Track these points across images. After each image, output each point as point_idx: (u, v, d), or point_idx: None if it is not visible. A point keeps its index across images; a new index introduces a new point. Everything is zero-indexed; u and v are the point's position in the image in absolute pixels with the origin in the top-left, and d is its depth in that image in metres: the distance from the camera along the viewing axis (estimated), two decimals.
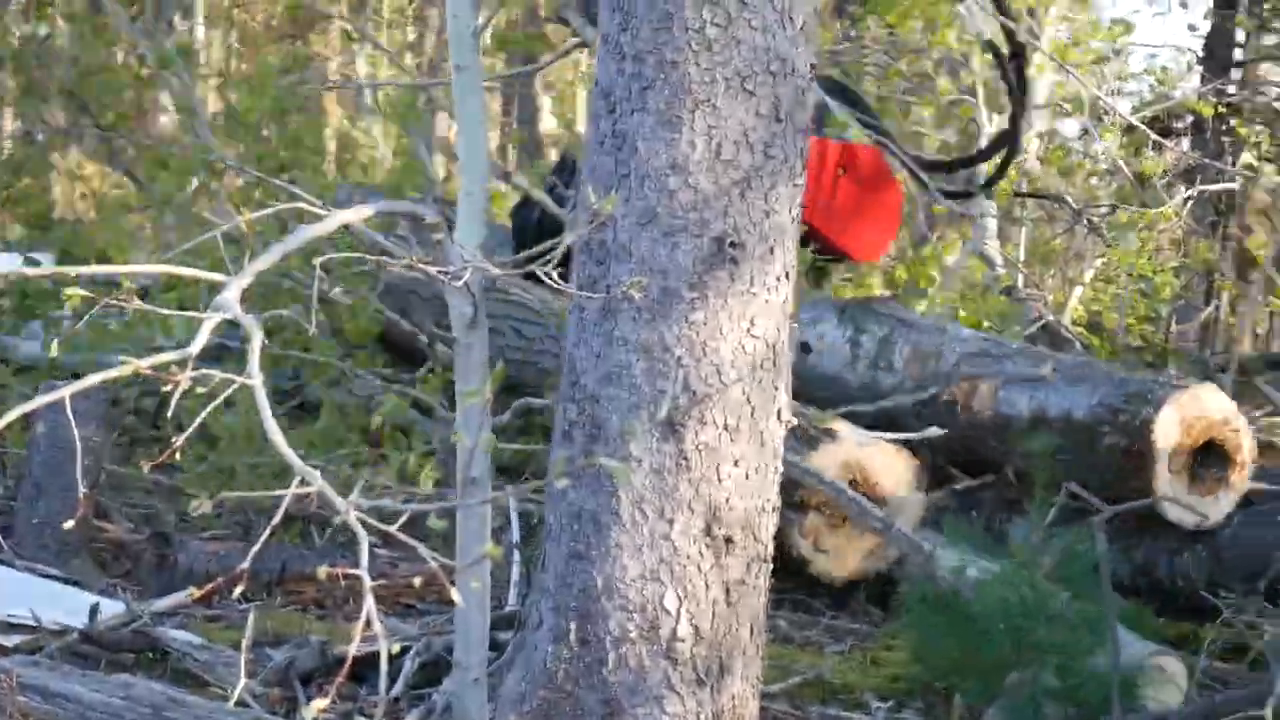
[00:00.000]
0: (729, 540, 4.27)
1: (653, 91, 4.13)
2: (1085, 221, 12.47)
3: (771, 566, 4.48)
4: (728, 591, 4.29)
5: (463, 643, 4.45)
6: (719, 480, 4.23)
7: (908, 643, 5.98)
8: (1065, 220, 13.70)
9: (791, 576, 7.09)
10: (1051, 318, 11.97)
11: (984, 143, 10.94)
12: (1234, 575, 7.50)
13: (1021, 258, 14.16)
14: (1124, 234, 12.73)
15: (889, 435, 7.46)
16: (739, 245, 4.16)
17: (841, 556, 7.12)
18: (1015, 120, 7.82)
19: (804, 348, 8.41)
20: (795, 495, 6.83)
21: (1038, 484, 6.10)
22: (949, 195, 9.70)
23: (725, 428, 4.23)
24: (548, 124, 21.87)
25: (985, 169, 10.42)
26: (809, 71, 4.28)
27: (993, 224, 13.39)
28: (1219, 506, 6.96)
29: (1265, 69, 20.77)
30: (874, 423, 8.25)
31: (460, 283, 4.11)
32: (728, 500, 4.25)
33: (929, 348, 8.04)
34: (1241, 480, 6.99)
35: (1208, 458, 6.95)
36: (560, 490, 4.28)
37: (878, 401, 7.92)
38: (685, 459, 4.20)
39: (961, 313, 11.23)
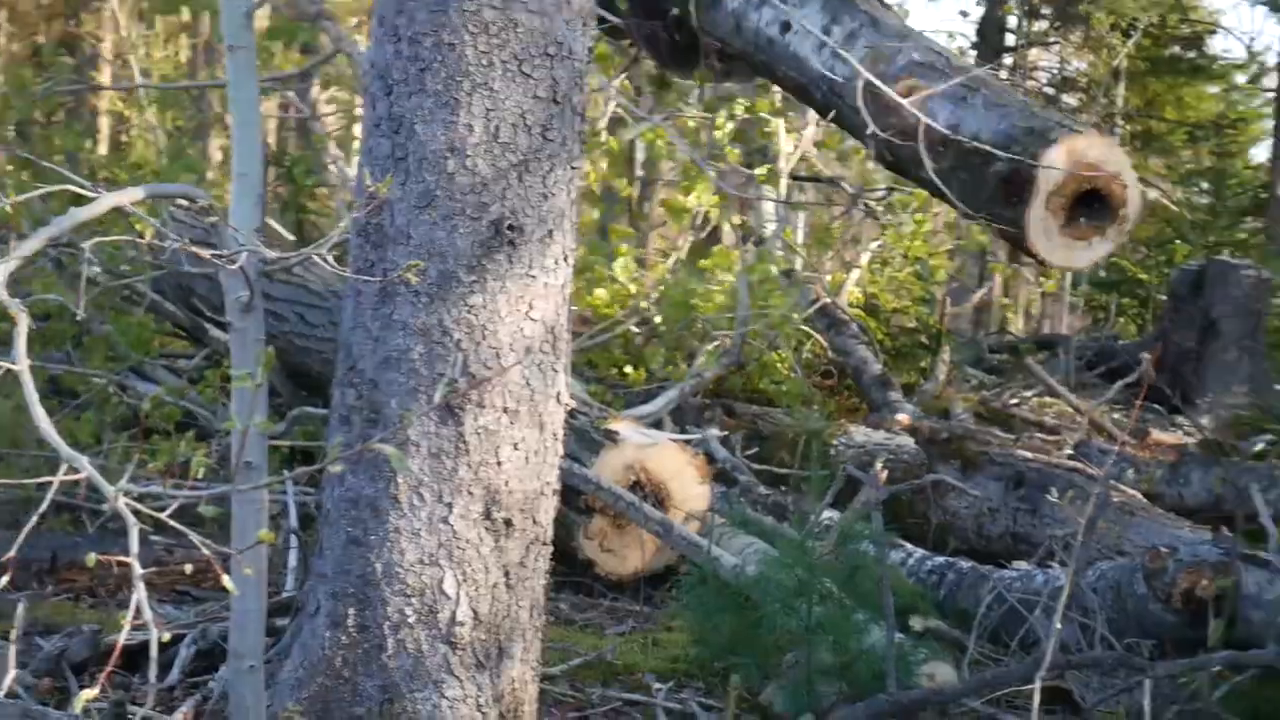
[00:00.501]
0: (508, 523, 4.27)
1: (430, 74, 4.11)
2: (861, 205, 12.62)
3: (552, 550, 4.49)
4: (507, 575, 4.29)
5: (238, 630, 4.39)
6: (498, 464, 4.23)
7: (687, 624, 6.02)
8: (842, 204, 13.87)
9: (574, 565, 7.12)
10: (829, 300, 12.13)
11: None
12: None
13: (800, 241, 14.31)
14: (899, 217, 12.92)
15: (669, 435, 7.53)
16: (517, 228, 4.16)
17: (627, 555, 7.15)
18: None
19: (785, 26, 8.49)
20: (579, 499, 6.86)
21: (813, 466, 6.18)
22: None
23: (505, 411, 4.23)
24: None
25: None
26: (586, 54, 4.29)
27: (770, 207, 13.51)
28: (1088, 254, 7.06)
29: (1035, 54, 21.24)
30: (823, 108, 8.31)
31: (235, 266, 4.06)
32: (507, 483, 4.25)
33: (886, 49, 8.06)
34: (1119, 235, 7.03)
35: (1091, 206, 6.99)
36: (337, 476, 4.25)
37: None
38: (464, 442, 4.19)
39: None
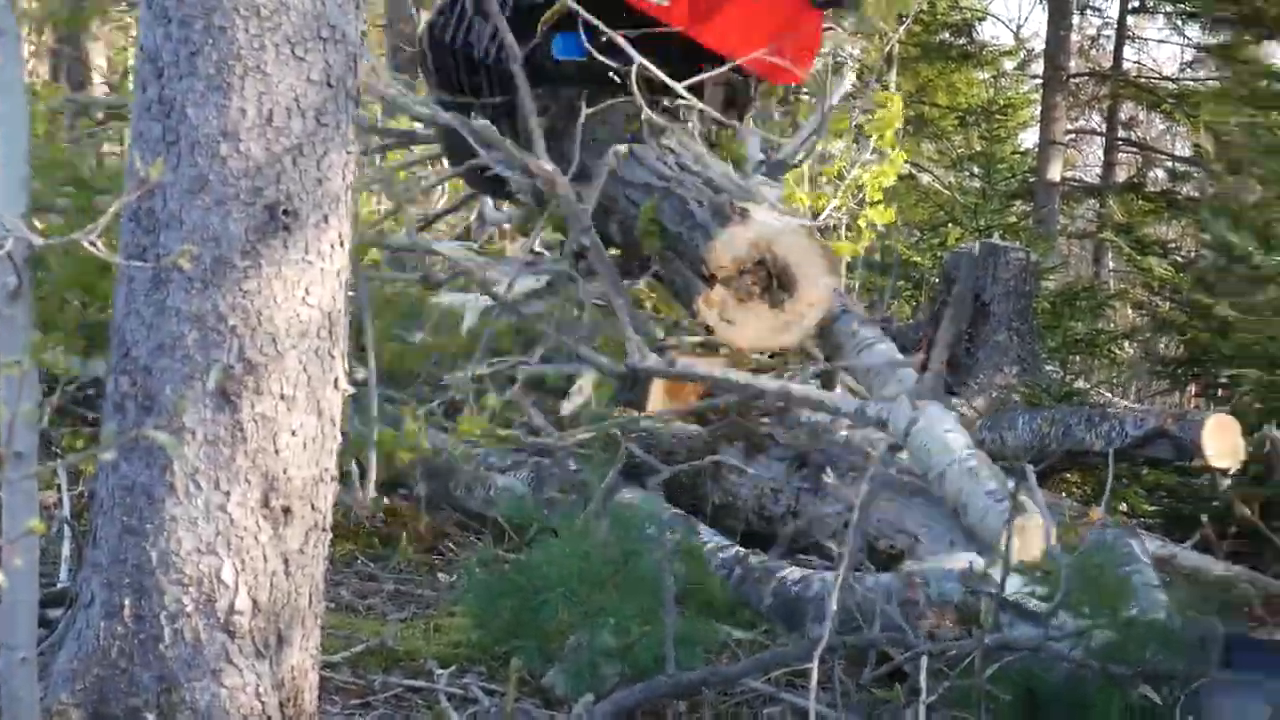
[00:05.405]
0: (287, 511, 4.24)
1: (201, 57, 4.06)
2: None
3: (331, 535, 4.47)
4: (286, 562, 4.27)
5: (8, 621, 4.30)
6: (276, 451, 4.20)
7: (469, 609, 6.02)
8: None
9: (353, 539, 7.10)
10: None
11: None
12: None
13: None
14: None
15: (799, 220, 7.62)
16: (292, 213, 4.13)
17: (744, 328, 7.54)
18: None
19: None
20: (702, 267, 7.35)
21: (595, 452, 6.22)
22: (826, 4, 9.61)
23: (282, 397, 4.20)
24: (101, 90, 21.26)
25: None
26: (359, 38, 4.28)
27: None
28: None
29: None
30: None
31: (1, 253, 3.98)
32: (285, 471, 4.23)
33: None
34: None
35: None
36: (111, 463, 4.19)
37: None
38: (241, 430, 4.16)
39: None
